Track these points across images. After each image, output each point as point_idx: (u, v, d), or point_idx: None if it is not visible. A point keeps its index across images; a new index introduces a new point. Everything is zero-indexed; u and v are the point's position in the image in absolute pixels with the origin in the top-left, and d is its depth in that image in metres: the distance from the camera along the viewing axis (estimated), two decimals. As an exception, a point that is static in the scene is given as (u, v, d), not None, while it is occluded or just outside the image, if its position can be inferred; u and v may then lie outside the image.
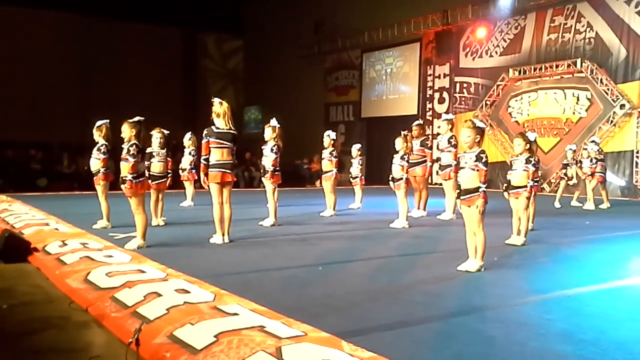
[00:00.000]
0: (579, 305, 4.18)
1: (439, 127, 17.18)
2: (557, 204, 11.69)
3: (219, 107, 6.53)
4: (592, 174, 11.56)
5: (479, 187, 5.10)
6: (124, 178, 6.09)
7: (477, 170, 5.11)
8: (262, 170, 8.39)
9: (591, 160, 11.57)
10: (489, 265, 5.33)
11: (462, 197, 5.24)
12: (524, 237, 6.82)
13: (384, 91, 21.10)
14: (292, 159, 18.76)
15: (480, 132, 5.22)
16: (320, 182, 11.16)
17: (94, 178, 7.67)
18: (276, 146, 8.07)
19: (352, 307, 3.97)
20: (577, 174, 11.87)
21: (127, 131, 6.21)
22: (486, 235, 5.21)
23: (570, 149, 12.02)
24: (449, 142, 8.99)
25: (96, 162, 7.63)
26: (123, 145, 6.24)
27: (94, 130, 7.62)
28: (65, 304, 4.08)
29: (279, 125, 8.16)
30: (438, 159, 9.49)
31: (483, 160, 5.11)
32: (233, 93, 28.40)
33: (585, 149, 11.98)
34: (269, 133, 8.15)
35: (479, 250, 5.20)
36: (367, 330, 3.43)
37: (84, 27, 23.03)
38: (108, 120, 7.66)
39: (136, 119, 6.29)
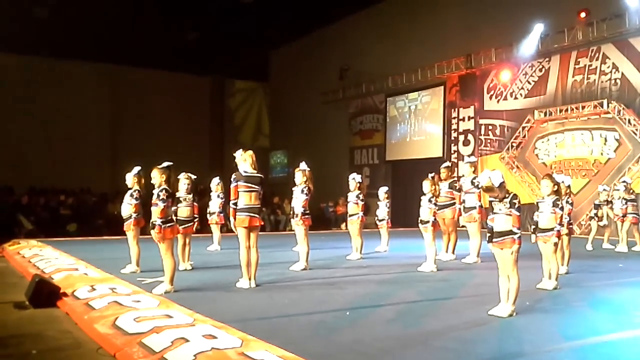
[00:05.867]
0: (615, 351, 4.05)
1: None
2: (589, 246, 11.45)
3: (241, 155, 6.65)
4: (624, 215, 11.34)
5: (512, 231, 5.07)
6: (153, 223, 6.17)
7: (510, 215, 5.10)
8: (292, 213, 8.40)
9: (622, 201, 11.37)
10: (521, 309, 5.21)
11: (494, 240, 5.19)
12: (556, 280, 6.66)
13: (408, 132, 21.17)
14: (317, 202, 18.78)
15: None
16: (346, 225, 11.13)
17: (125, 223, 7.73)
18: (307, 188, 8.10)
19: (382, 354, 3.90)
20: (607, 214, 11.65)
21: (157, 177, 6.31)
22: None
23: (604, 190, 11.82)
24: (472, 184, 8.95)
25: (128, 207, 7.70)
26: (154, 191, 6.34)
27: (131, 177, 7.65)
28: (94, 350, 4.10)
29: (308, 169, 8.22)
30: (463, 201, 9.42)
31: (516, 206, 5.11)
32: (259, 138, 28.84)
33: (617, 190, 11.79)
34: (299, 177, 8.17)
35: (511, 295, 5.11)
36: (397, 377, 3.36)
37: (113, 76, 23.82)
38: (140, 168, 7.72)
39: (165, 164, 6.40)
